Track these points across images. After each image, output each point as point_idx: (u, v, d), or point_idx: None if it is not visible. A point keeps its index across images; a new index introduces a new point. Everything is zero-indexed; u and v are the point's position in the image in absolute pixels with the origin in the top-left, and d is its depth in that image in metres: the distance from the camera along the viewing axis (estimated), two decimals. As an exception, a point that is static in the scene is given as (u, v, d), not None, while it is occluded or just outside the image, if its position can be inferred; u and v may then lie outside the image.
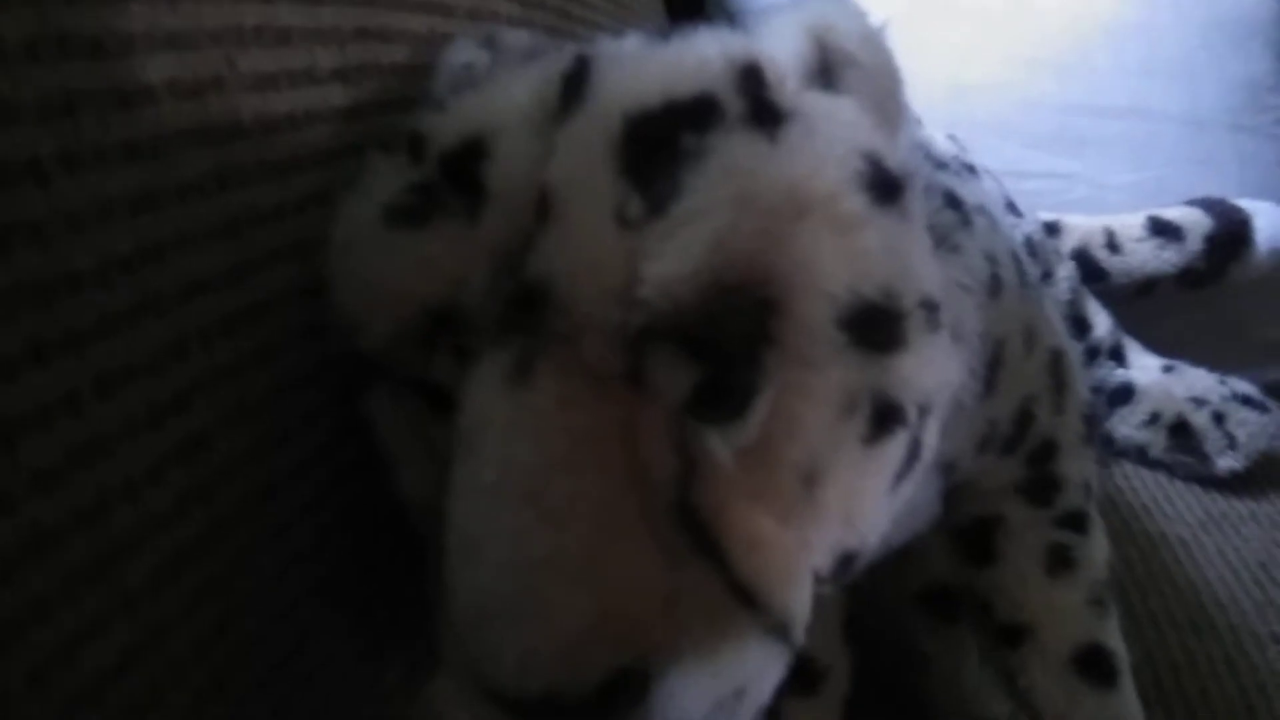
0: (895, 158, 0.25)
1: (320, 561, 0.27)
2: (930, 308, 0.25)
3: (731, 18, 0.98)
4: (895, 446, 0.25)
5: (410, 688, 0.30)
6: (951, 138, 0.68)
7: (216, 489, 0.22)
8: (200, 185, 0.22)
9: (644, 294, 0.21)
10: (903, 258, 0.24)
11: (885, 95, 0.27)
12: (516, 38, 0.32)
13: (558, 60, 0.25)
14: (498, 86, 0.25)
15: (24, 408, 0.17)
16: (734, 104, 0.23)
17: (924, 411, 0.26)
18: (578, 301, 0.22)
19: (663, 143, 0.22)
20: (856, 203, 0.23)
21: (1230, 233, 0.76)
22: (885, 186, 0.24)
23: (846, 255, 0.23)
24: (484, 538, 0.22)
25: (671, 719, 0.21)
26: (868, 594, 0.42)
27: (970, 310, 0.32)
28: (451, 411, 0.23)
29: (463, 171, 0.23)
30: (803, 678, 0.39)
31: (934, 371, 0.25)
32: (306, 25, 0.27)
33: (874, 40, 0.27)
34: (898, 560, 0.40)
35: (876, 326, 0.23)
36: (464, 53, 0.30)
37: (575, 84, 0.23)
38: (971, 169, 0.66)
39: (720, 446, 0.22)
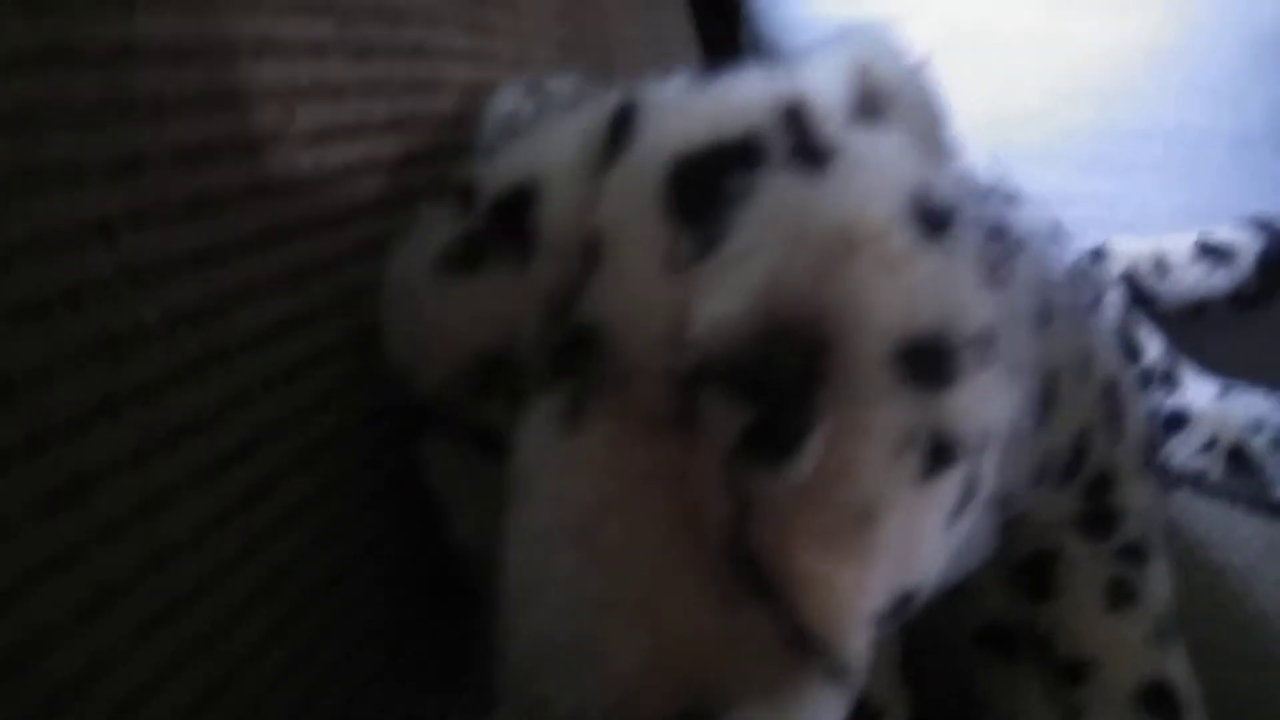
0: (942, 191, 0.25)
1: (381, 605, 0.27)
2: (984, 341, 0.25)
3: (765, 50, 0.99)
4: (952, 483, 0.25)
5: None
6: (994, 159, 0.67)
7: (280, 536, 0.23)
8: (260, 238, 0.23)
9: (694, 335, 0.21)
10: (954, 291, 0.24)
11: (929, 129, 0.27)
12: (561, 84, 0.32)
13: (603, 105, 0.25)
14: (545, 133, 0.26)
15: (98, 460, 0.18)
16: (779, 143, 0.23)
17: (981, 447, 0.25)
18: (628, 344, 0.22)
19: (709, 184, 0.22)
20: (906, 238, 0.23)
21: (1282, 252, 0.75)
22: (934, 220, 0.24)
23: (898, 291, 0.23)
24: (539, 582, 0.22)
25: None
26: (923, 633, 0.41)
27: (1023, 341, 0.32)
28: (505, 456, 0.23)
29: (512, 218, 0.24)
30: (859, 718, 0.38)
31: (990, 406, 0.25)
32: (358, 79, 0.28)
33: (915, 76, 0.27)
34: (952, 598, 0.39)
35: (930, 362, 0.23)
36: (509, 100, 0.31)
37: (621, 128, 0.24)
38: (1014, 196, 0.65)
39: (773, 487, 0.22)
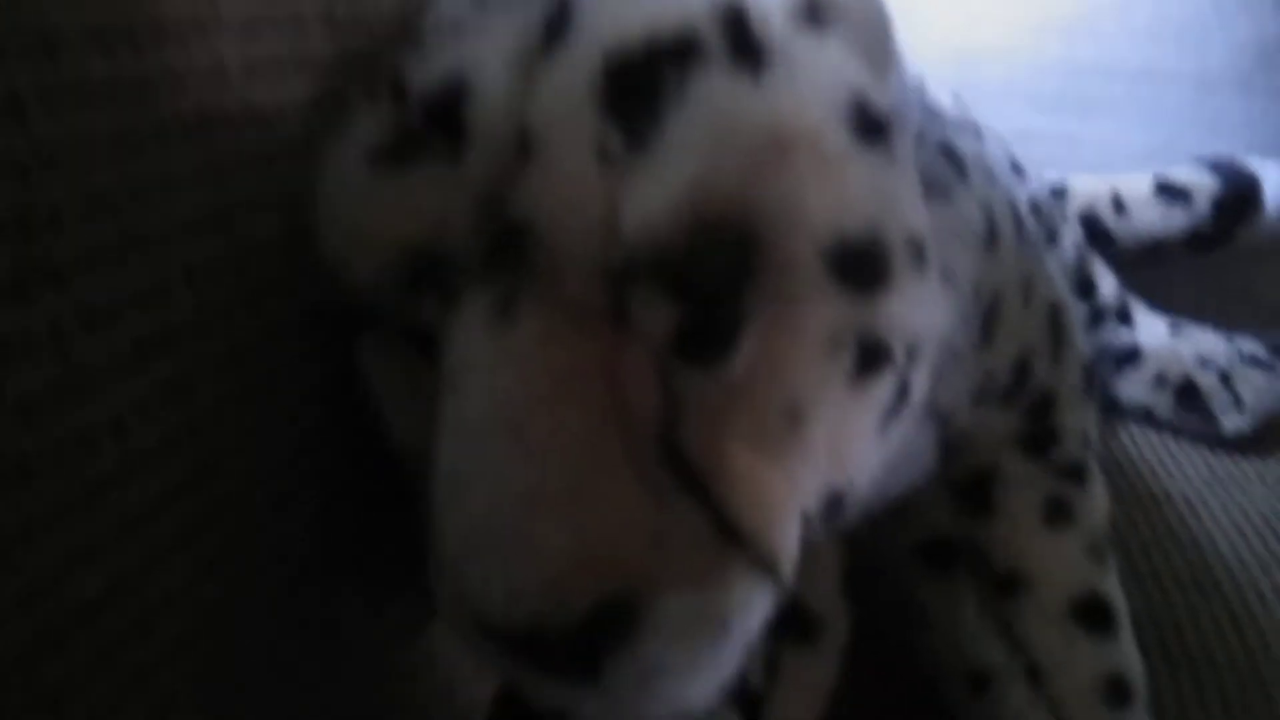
0: (882, 99, 0.25)
1: (316, 503, 0.27)
2: (917, 247, 0.25)
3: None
4: (882, 386, 0.25)
5: (410, 629, 0.31)
6: (956, 97, 0.67)
7: (204, 429, 0.23)
8: (183, 128, 0.22)
9: (625, 230, 0.21)
10: (888, 196, 0.24)
11: (874, 39, 0.26)
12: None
13: (539, 2, 0.24)
14: (479, 29, 0.25)
15: (9, 340, 0.18)
16: (716, 43, 0.23)
17: (912, 353, 0.26)
18: (559, 239, 0.22)
19: (644, 81, 0.22)
20: (840, 140, 0.23)
21: (1238, 195, 0.75)
22: (871, 126, 0.24)
23: (829, 192, 0.23)
24: (469, 475, 0.22)
25: (655, 650, 0.22)
26: (867, 548, 0.42)
27: (962, 257, 0.32)
28: (436, 352, 0.23)
29: (444, 113, 0.23)
30: (800, 627, 0.39)
31: (921, 311, 0.25)
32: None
33: None
34: (895, 513, 0.40)
35: (860, 263, 0.23)
36: (454, 5, 0.30)
37: (556, 24, 0.23)
38: (975, 129, 0.66)
39: (703, 384, 0.22)
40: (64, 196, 0.19)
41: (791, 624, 0.39)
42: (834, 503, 0.26)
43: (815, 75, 0.24)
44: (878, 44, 0.27)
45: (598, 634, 0.21)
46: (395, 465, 0.27)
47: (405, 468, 0.27)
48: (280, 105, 0.26)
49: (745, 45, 0.23)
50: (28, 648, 0.18)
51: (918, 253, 0.25)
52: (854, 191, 0.23)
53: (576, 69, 0.22)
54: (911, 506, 0.40)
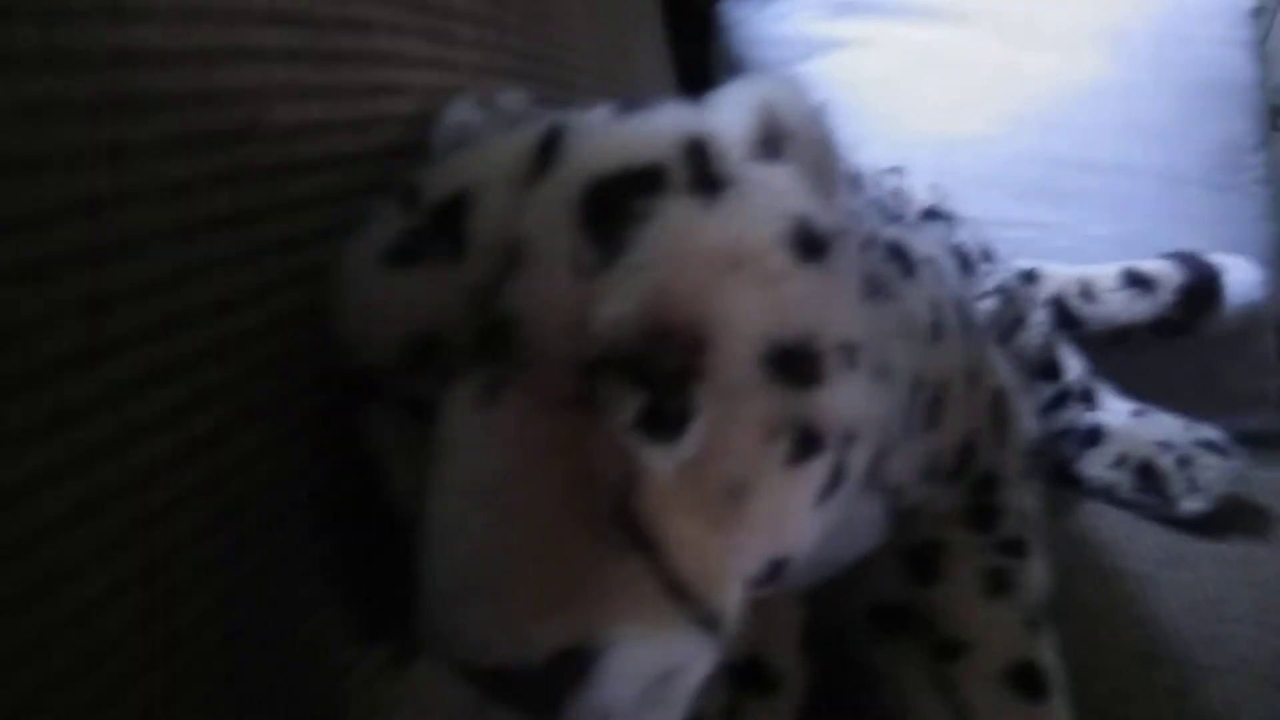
0: (825, 220, 0.29)
1: (315, 551, 0.31)
2: (849, 350, 0.29)
3: (734, 65, 1.03)
4: (817, 468, 0.28)
5: (395, 669, 0.34)
6: (934, 186, 0.72)
7: (233, 478, 0.26)
8: (230, 219, 0.26)
9: (595, 329, 0.25)
10: (823, 306, 0.28)
11: (821, 165, 0.31)
12: (511, 99, 0.36)
13: (535, 128, 0.29)
14: (484, 147, 0.29)
15: (80, 395, 0.22)
16: (680, 173, 0.27)
17: (846, 440, 0.29)
18: (540, 335, 0.25)
19: (616, 205, 0.26)
20: (782, 259, 0.27)
21: (1201, 286, 0.80)
22: (812, 245, 0.28)
23: (769, 304, 0.26)
24: (452, 533, 0.25)
25: (608, 693, 0.25)
26: (828, 611, 0.46)
27: (902, 351, 0.36)
28: (431, 421, 0.27)
29: (449, 221, 0.27)
30: (760, 681, 0.42)
31: (853, 404, 0.29)
32: (325, 83, 0.31)
33: (814, 116, 0.31)
34: (851, 579, 0.43)
35: (794, 364, 0.27)
36: (462, 112, 0.34)
37: (547, 150, 0.27)
38: (948, 216, 0.70)
39: (659, 462, 0.26)
40: (129, 279, 0.23)
41: (752, 678, 0.43)
42: (774, 568, 0.29)
43: (764, 201, 0.28)
44: (825, 168, 0.31)
45: (558, 678, 0.24)
46: (392, 514, 0.31)
47: (399, 516, 0.31)
48: (312, 198, 0.30)
49: (704, 175, 0.27)
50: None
51: (849, 355, 0.29)
52: (791, 304, 0.27)
53: (561, 191, 0.26)
54: (866, 573, 0.43)
